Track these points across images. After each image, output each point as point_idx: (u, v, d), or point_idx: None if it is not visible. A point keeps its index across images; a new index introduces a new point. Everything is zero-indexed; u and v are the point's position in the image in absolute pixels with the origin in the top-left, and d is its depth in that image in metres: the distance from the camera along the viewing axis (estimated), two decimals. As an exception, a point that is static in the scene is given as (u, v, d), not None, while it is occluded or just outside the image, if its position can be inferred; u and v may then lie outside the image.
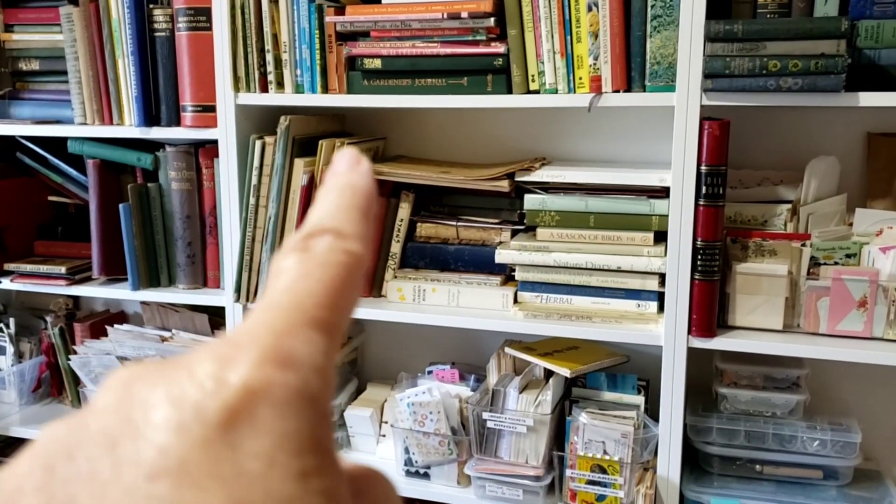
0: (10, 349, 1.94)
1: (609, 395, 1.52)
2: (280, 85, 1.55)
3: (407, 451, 1.58)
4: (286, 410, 0.21)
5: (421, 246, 1.61)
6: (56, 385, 1.99)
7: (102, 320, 1.91)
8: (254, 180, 1.55)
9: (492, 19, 1.40)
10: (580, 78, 1.39)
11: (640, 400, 1.50)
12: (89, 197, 1.72)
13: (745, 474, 1.47)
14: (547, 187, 1.50)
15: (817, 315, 1.36)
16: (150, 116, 1.63)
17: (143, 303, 1.82)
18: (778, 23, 1.25)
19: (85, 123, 1.70)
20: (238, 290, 1.59)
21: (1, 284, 1.82)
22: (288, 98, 1.55)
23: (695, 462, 1.51)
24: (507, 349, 1.55)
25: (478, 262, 1.56)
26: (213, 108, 1.58)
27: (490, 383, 1.54)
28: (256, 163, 1.54)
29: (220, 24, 1.53)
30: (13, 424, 1.88)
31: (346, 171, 0.28)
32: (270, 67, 1.54)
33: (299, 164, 1.52)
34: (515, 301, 1.52)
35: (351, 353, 1.81)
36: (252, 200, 1.55)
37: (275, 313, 0.23)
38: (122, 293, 1.72)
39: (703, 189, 1.32)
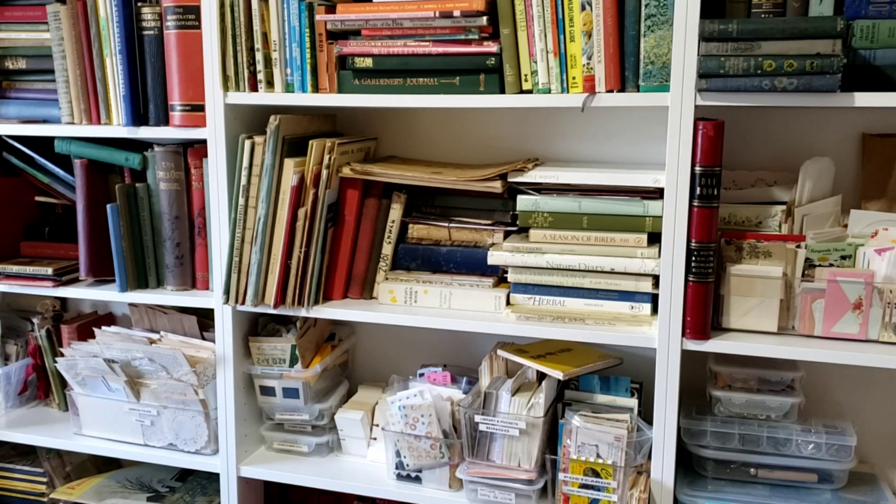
0: (-5, 351, 1.92)
1: (602, 398, 1.51)
2: (270, 84, 1.53)
3: (398, 454, 1.56)
4: None
5: (413, 247, 1.60)
6: (43, 387, 1.97)
7: (90, 322, 1.89)
8: (243, 180, 1.53)
9: (484, 18, 1.39)
10: (573, 77, 1.37)
11: (633, 403, 1.49)
12: (76, 197, 1.70)
13: (739, 478, 1.46)
14: (540, 188, 1.49)
15: (812, 317, 1.35)
16: (138, 116, 1.61)
17: (131, 304, 1.80)
18: (773, 22, 1.24)
19: (72, 123, 1.68)
20: (227, 291, 1.57)
21: (-14, 286, 1.79)
22: (278, 97, 1.53)
23: (689, 465, 1.50)
24: (499, 351, 1.53)
25: (470, 263, 1.55)
26: (201, 108, 1.56)
27: (482, 386, 1.53)
28: (246, 163, 1.52)
29: (210, 22, 1.51)
30: (-1, 427, 1.86)
31: None
32: (260, 66, 1.52)
33: (289, 164, 1.50)
34: (508, 303, 1.50)
35: (342, 356, 1.80)
36: (241, 201, 1.53)
37: None
38: (110, 294, 1.70)
39: (697, 190, 1.30)
